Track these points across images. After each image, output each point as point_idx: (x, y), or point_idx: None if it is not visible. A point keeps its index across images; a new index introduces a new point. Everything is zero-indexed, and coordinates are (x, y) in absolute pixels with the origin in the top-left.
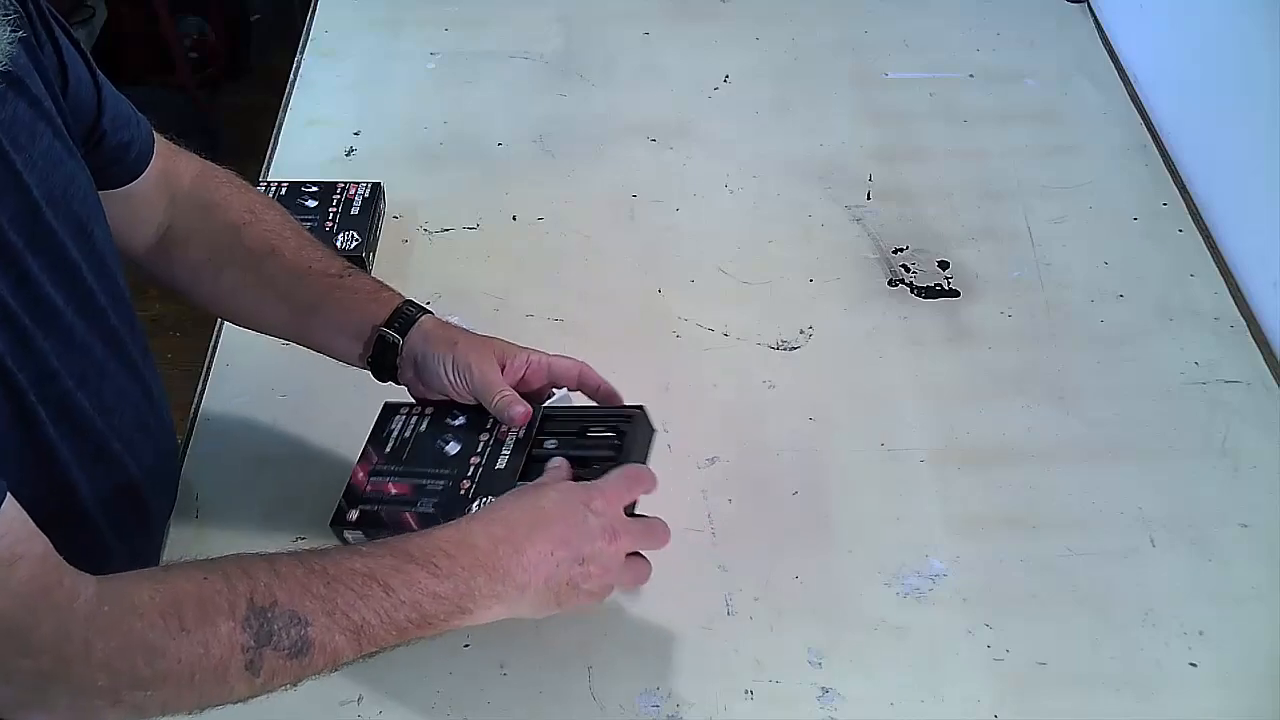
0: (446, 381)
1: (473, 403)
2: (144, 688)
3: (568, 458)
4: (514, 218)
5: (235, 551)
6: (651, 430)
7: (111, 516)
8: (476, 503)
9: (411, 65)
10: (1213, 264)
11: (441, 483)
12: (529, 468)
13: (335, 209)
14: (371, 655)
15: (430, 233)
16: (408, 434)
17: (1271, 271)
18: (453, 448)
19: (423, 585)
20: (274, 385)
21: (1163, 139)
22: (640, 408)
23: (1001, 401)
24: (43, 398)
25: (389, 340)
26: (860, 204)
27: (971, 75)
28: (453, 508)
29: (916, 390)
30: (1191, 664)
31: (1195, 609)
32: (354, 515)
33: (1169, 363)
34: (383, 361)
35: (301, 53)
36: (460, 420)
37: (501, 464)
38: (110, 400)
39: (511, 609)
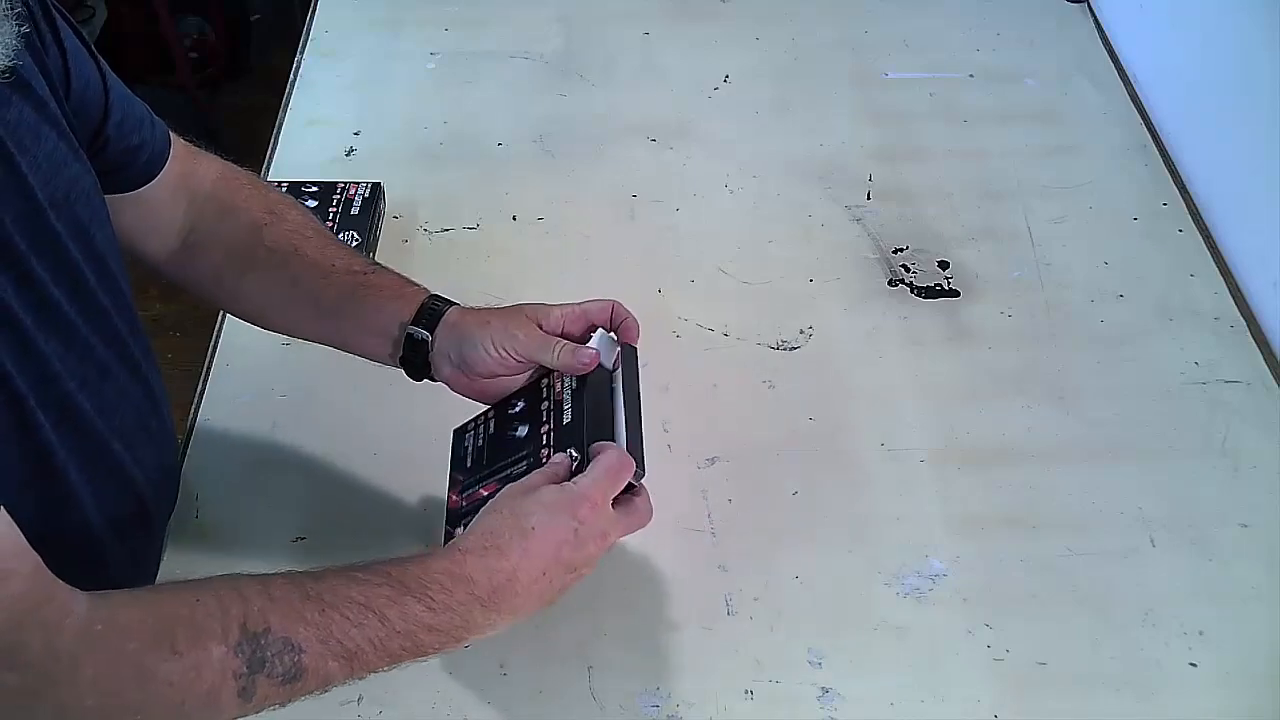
0: (493, 358)
1: (523, 377)
2: (132, 710)
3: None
4: (514, 218)
5: (235, 551)
6: (635, 352)
7: (111, 517)
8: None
9: (411, 65)
10: (1213, 264)
11: (524, 464)
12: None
13: (335, 209)
14: (362, 677)
15: (430, 233)
16: (480, 443)
17: (1271, 271)
18: (522, 430)
19: (418, 618)
20: (274, 385)
21: (1163, 139)
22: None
23: (1001, 401)
24: (43, 401)
25: (418, 338)
26: (860, 204)
27: (971, 75)
28: None
29: (916, 390)
30: (1191, 664)
31: (1195, 609)
32: (460, 532)
33: (1169, 363)
34: (414, 360)
35: (301, 53)
36: (519, 406)
37: (568, 418)
38: (112, 402)
39: (507, 627)
